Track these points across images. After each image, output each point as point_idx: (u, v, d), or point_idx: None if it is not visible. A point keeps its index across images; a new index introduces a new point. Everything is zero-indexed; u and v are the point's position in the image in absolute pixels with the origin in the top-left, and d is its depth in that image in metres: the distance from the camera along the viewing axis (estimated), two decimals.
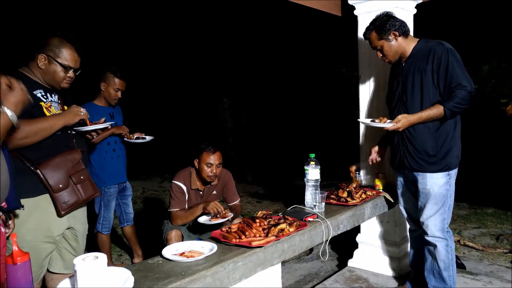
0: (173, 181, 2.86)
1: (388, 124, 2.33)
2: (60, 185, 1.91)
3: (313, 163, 2.42)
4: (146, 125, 3.35)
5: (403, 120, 2.29)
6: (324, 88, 8.14)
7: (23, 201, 1.76)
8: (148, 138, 3.15)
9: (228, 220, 2.58)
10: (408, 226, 2.84)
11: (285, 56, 8.76)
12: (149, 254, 3.80)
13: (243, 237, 1.83)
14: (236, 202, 2.98)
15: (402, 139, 2.44)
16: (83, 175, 2.04)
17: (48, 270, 2.10)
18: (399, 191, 2.68)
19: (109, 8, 5.68)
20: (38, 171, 1.87)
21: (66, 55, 1.99)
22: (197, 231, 2.83)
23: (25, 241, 1.84)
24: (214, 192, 2.93)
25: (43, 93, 2.00)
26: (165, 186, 7.30)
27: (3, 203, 1.61)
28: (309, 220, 2.17)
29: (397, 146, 2.49)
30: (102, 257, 1.31)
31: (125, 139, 3.12)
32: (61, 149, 1.98)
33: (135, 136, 3.14)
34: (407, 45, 2.39)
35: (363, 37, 2.55)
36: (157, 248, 1.88)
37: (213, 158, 2.76)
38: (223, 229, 1.96)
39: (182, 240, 2.67)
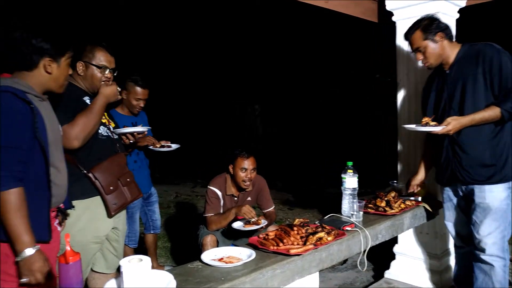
0: (208, 186, 2.90)
1: (436, 128, 2.15)
2: (111, 187, 2.00)
3: (351, 171, 2.38)
4: (177, 132, 3.32)
5: (453, 123, 2.12)
6: (358, 94, 8.04)
7: (74, 203, 1.85)
8: (174, 146, 2.92)
9: (261, 227, 2.58)
10: (450, 239, 2.74)
11: (318, 62, 8.72)
12: (181, 257, 3.88)
13: (281, 244, 1.83)
14: (271, 209, 2.98)
15: (453, 151, 2.27)
16: (129, 177, 2.13)
17: (91, 269, 2.18)
18: (446, 205, 2.53)
19: (133, 14, 5.85)
20: (90, 174, 1.96)
21: (100, 56, 2.09)
22: (232, 236, 2.85)
23: (75, 241, 1.92)
24: (249, 198, 2.95)
25: (90, 100, 2.09)
26: (198, 191, 7.40)
27: (61, 205, 1.70)
28: (347, 229, 2.14)
29: (447, 161, 2.32)
30: (147, 259, 1.35)
31: (151, 147, 2.95)
32: (108, 153, 2.07)
33: (160, 144, 2.92)
34: (451, 50, 2.27)
35: (404, 38, 2.41)
36: (189, 252, 1.90)
37: (248, 163, 2.79)
38: (260, 235, 1.96)
39: (217, 245, 2.69)
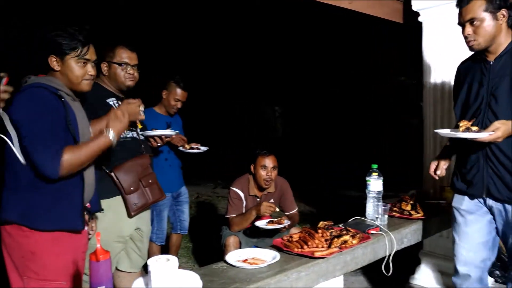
0: (231, 187, 2.92)
1: (482, 134, 1.75)
2: (132, 188, 2.03)
3: (376, 174, 2.35)
4: (199, 133, 3.37)
5: (503, 128, 1.72)
6: (382, 96, 7.93)
7: None
8: (203, 148, 3.08)
9: (284, 227, 2.59)
10: None
11: (340, 64, 8.65)
12: (203, 258, 3.91)
13: (305, 247, 1.82)
14: (294, 211, 2.98)
15: (487, 157, 1.88)
16: (151, 178, 2.14)
17: (116, 268, 2.22)
18: (459, 221, 2.06)
19: (171, 19, 5.93)
20: (112, 174, 2.00)
21: (120, 54, 2.14)
22: (255, 236, 2.86)
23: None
24: (272, 200, 2.95)
25: (116, 101, 2.14)
26: (218, 192, 7.45)
27: (87, 204, 1.74)
28: (372, 233, 2.11)
29: (477, 167, 1.92)
30: (174, 259, 1.36)
31: (180, 148, 3.09)
32: (132, 154, 2.10)
33: (190, 146, 3.09)
34: (505, 37, 1.86)
35: (456, 4, 1.94)
36: (211, 252, 1.90)
37: (268, 161, 2.81)
38: (284, 237, 1.96)
39: (240, 246, 2.70)
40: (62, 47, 1.63)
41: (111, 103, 2.11)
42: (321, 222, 2.12)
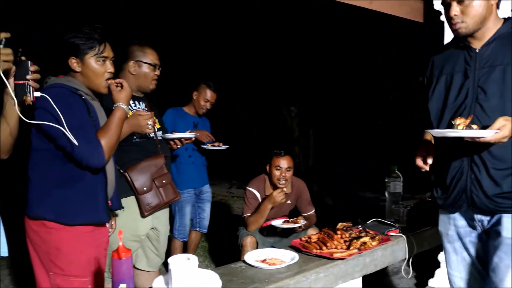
0: (247, 187, 2.93)
1: (486, 132, 1.43)
2: (144, 188, 2.04)
3: (395, 175, 2.32)
4: (215, 133, 3.43)
5: (509, 125, 1.42)
6: (399, 97, 7.82)
7: None
8: (224, 146, 3.19)
9: (300, 226, 2.61)
10: None
11: (340, 64, 8.58)
12: (219, 257, 3.93)
13: (324, 248, 1.81)
14: (311, 212, 2.96)
15: (472, 163, 1.57)
16: (166, 179, 2.15)
17: (134, 267, 2.25)
18: (451, 247, 1.75)
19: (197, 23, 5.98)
20: (126, 174, 2.02)
21: (150, 55, 2.15)
22: (271, 236, 2.86)
23: (115, 237, 2.00)
24: (288, 201, 2.94)
25: (132, 101, 2.15)
26: (233, 192, 7.48)
27: (109, 202, 1.77)
28: (391, 235, 2.08)
29: (459, 174, 1.60)
30: (194, 258, 1.37)
31: (202, 146, 3.18)
32: (147, 154, 2.11)
33: (210, 144, 3.21)
34: (494, 22, 1.59)
35: None
36: (227, 252, 1.90)
37: (282, 162, 2.80)
38: (303, 238, 1.95)
39: (257, 247, 2.70)
40: (80, 48, 1.66)
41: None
42: (339, 223, 2.11)
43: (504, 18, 1.63)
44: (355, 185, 7.75)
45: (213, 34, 6.51)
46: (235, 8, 5.20)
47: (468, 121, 1.49)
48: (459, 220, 1.70)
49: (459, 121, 1.50)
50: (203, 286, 1.37)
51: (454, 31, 1.60)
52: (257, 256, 1.80)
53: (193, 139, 2.51)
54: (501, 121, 1.43)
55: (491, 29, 1.58)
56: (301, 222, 2.60)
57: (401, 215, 2.24)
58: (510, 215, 1.53)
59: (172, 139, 2.35)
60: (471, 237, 1.69)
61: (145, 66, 2.13)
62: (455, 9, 1.56)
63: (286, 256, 1.78)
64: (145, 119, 1.92)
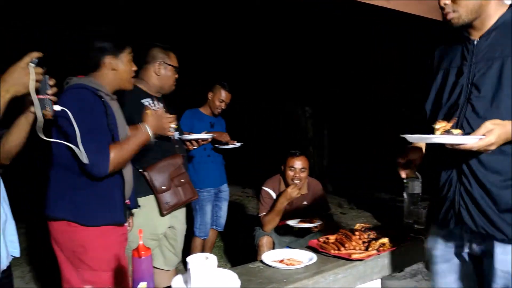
0: (262, 187, 2.93)
1: (467, 139, 1.23)
2: (163, 187, 2.07)
3: (414, 175, 2.29)
4: (232, 134, 3.48)
5: (498, 130, 1.20)
6: (415, 97, 7.71)
7: None
8: (238, 144, 3.26)
9: (316, 226, 2.62)
10: None
11: (357, 64, 8.51)
12: (234, 257, 3.93)
13: (342, 249, 1.79)
14: (327, 213, 2.95)
15: (461, 174, 1.35)
16: (184, 178, 2.18)
17: None
18: (440, 268, 1.54)
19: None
20: (145, 173, 2.04)
21: (173, 58, 2.24)
22: (288, 236, 2.86)
23: (134, 236, 2.02)
24: (305, 202, 2.93)
25: (151, 101, 2.18)
26: (248, 192, 7.50)
27: (127, 201, 1.80)
28: (410, 236, 2.05)
29: (448, 186, 1.39)
30: (212, 258, 1.37)
31: (217, 145, 3.24)
32: (165, 154, 2.15)
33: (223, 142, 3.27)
34: (494, 9, 1.36)
35: None
36: (242, 251, 1.90)
37: (297, 162, 2.80)
38: (320, 239, 1.94)
39: (273, 247, 2.70)
40: (118, 46, 1.72)
41: (146, 103, 2.16)
42: (357, 224, 2.09)
43: (510, 5, 1.40)
44: (367, 185, 7.68)
45: (223, 36, 6.56)
46: (237, 10, 5.24)
47: (450, 124, 1.30)
48: (448, 239, 1.48)
49: (439, 125, 1.31)
50: (222, 285, 1.37)
51: (446, 22, 1.39)
52: (274, 256, 1.80)
53: (210, 140, 2.54)
54: (487, 126, 1.21)
55: (492, 17, 1.36)
56: (317, 222, 2.60)
57: (420, 216, 2.21)
58: (502, 244, 1.29)
59: (190, 140, 2.38)
60: (460, 261, 1.47)
61: (169, 68, 2.21)
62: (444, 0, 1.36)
63: (303, 257, 1.77)
64: (168, 122, 1.95)
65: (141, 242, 1.27)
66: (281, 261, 1.73)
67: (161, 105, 2.25)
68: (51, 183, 1.66)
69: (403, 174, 1.56)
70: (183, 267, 3.40)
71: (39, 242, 1.74)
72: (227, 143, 3.22)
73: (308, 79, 8.88)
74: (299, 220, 2.66)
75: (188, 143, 2.43)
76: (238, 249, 4.15)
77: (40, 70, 1.25)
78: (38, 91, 1.27)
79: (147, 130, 1.73)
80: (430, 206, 1.61)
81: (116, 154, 1.60)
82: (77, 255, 1.63)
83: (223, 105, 3.33)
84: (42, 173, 1.86)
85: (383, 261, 1.84)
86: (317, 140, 9.25)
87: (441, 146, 1.31)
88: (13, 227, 1.44)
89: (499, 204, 1.28)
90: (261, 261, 1.74)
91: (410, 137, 1.34)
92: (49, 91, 1.31)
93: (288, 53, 7.80)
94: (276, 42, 7.20)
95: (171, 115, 1.98)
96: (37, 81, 1.25)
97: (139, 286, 1.26)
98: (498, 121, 1.22)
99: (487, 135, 1.20)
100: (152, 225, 2.11)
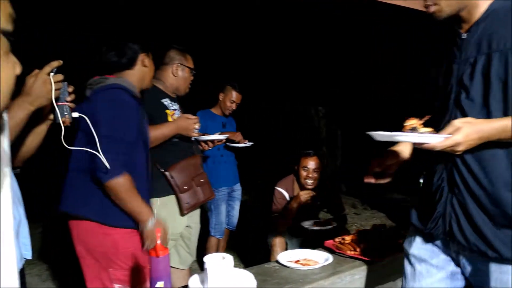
0: (275, 187, 2.93)
1: (433, 137, 1.11)
2: (185, 187, 2.08)
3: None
4: (247, 133, 3.50)
5: (466, 130, 1.07)
6: (382, 96, 7.70)
7: (152, 200, 1.96)
8: (249, 143, 3.29)
9: (331, 228, 2.60)
10: None
11: (357, 64, 8.46)
12: (246, 257, 3.93)
13: (358, 249, 1.78)
14: (341, 213, 2.93)
15: (451, 181, 1.20)
16: (203, 178, 2.20)
17: None
18: (406, 271, 1.40)
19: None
20: (167, 173, 2.06)
21: (190, 60, 2.26)
22: (300, 237, 2.85)
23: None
24: (318, 202, 2.92)
25: (169, 102, 2.20)
26: (257, 191, 7.49)
27: None
28: None
29: (439, 194, 1.24)
30: (229, 258, 1.37)
31: (228, 144, 3.24)
32: (184, 154, 2.16)
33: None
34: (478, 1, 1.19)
35: None
36: (255, 251, 1.89)
37: (310, 162, 2.80)
38: (336, 239, 1.93)
39: (286, 247, 2.70)
40: (149, 44, 1.79)
41: (165, 103, 2.19)
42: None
43: None
44: (380, 185, 7.59)
45: (233, 39, 6.61)
46: (243, 13, 5.27)
47: (420, 122, 1.17)
48: (426, 241, 1.32)
49: (409, 122, 1.19)
50: (239, 285, 1.37)
51: (431, 16, 1.25)
52: (289, 256, 1.79)
53: (224, 140, 2.56)
54: (455, 124, 1.09)
55: (480, 6, 1.19)
56: (332, 225, 2.59)
57: None
58: (500, 265, 1.12)
59: (205, 141, 2.40)
60: (438, 261, 1.30)
61: (186, 70, 2.23)
62: None
63: (319, 257, 1.76)
64: (193, 123, 1.98)
65: (158, 242, 1.28)
66: (296, 262, 1.73)
67: (177, 105, 2.27)
68: (80, 184, 1.67)
69: (372, 180, 1.40)
70: (197, 266, 3.43)
71: (56, 241, 1.76)
72: (239, 142, 3.23)
73: (320, 79, 8.87)
74: (313, 221, 2.65)
75: (203, 144, 2.45)
76: (248, 249, 4.15)
77: (60, 77, 1.26)
78: (57, 99, 1.29)
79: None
80: (412, 205, 1.43)
81: (123, 183, 1.60)
82: (109, 255, 1.65)
83: (234, 106, 3.36)
84: (54, 175, 1.88)
85: (400, 262, 1.81)
86: (331, 140, 9.21)
87: (432, 153, 1.17)
88: (26, 229, 1.44)
89: (495, 218, 1.12)
90: (277, 261, 1.73)
91: (375, 135, 1.20)
92: (68, 98, 1.33)
93: (298, 53, 7.80)
94: (285, 43, 7.22)
95: (195, 117, 2.02)
96: (57, 89, 1.26)
97: (156, 285, 1.27)
98: (469, 119, 1.11)
99: (454, 134, 1.07)
100: (172, 225, 2.13)
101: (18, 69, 0.60)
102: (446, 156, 1.17)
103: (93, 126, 1.54)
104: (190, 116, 2.05)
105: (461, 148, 1.08)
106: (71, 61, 1.33)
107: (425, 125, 1.18)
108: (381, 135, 1.18)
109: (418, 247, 1.33)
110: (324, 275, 1.59)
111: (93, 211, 1.63)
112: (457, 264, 1.25)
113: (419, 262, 1.33)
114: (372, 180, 1.39)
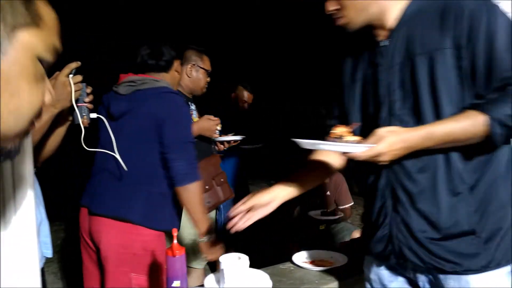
0: None
1: (358, 147, 1.04)
2: (206, 187, 2.10)
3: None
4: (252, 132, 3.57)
5: (391, 139, 1.01)
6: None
7: None
8: (259, 144, 3.38)
9: (336, 218, 2.76)
10: None
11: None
12: (256, 257, 3.91)
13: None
14: (347, 205, 2.98)
15: (394, 197, 1.13)
16: (223, 177, 2.21)
17: None
18: None
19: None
20: None
21: (206, 61, 2.28)
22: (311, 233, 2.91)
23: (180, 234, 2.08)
24: (328, 193, 2.96)
25: (187, 102, 2.22)
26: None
27: None
28: None
29: (384, 213, 1.16)
30: (245, 258, 1.38)
31: (241, 146, 3.27)
32: (204, 154, 2.18)
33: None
34: (391, 3, 1.12)
35: None
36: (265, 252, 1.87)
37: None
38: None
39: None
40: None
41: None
42: None
43: None
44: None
45: (240, 41, 6.65)
46: (238, 11, 5.30)
47: (347, 130, 1.09)
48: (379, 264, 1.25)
49: (336, 129, 1.11)
50: (254, 286, 1.37)
51: (342, 28, 1.17)
52: (304, 257, 1.78)
53: (239, 141, 2.58)
54: (378, 133, 1.02)
55: (392, 9, 1.12)
56: (339, 215, 2.78)
57: None
58: (455, 275, 1.06)
59: (222, 142, 2.41)
60: (397, 284, 1.22)
61: (201, 71, 2.24)
62: (331, 3, 1.14)
63: (334, 258, 1.75)
64: (215, 125, 2.01)
65: (175, 241, 1.28)
66: (311, 262, 1.72)
67: (193, 106, 2.29)
68: (118, 185, 1.69)
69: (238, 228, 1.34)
70: (207, 267, 3.44)
71: (72, 240, 1.77)
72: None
73: (320, 79, 8.84)
74: (320, 211, 2.75)
75: (219, 144, 2.46)
76: (261, 250, 4.15)
77: (79, 78, 1.28)
78: (77, 100, 1.30)
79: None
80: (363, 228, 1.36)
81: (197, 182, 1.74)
82: (137, 258, 1.65)
83: (245, 106, 3.41)
84: (71, 175, 1.89)
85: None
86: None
87: (369, 165, 1.09)
88: (47, 228, 1.46)
89: (440, 230, 1.06)
90: (292, 262, 1.72)
91: (299, 142, 1.11)
92: (87, 99, 1.34)
93: (298, 54, 7.80)
94: (285, 43, 7.23)
95: (217, 118, 2.05)
96: (76, 90, 1.27)
97: (173, 284, 1.27)
98: (394, 128, 1.05)
99: (378, 143, 1.01)
100: (190, 225, 2.14)
101: (47, 98, 0.59)
102: (389, 170, 1.11)
103: (158, 129, 1.59)
104: (212, 117, 2.08)
105: (385, 158, 1.02)
106: (71, 61, 1.35)
107: (356, 133, 1.11)
108: (305, 143, 1.11)
109: (375, 272, 1.27)
110: (339, 277, 1.58)
111: (136, 213, 1.65)
112: (416, 284, 1.18)
113: (378, 286, 1.27)
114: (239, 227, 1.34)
